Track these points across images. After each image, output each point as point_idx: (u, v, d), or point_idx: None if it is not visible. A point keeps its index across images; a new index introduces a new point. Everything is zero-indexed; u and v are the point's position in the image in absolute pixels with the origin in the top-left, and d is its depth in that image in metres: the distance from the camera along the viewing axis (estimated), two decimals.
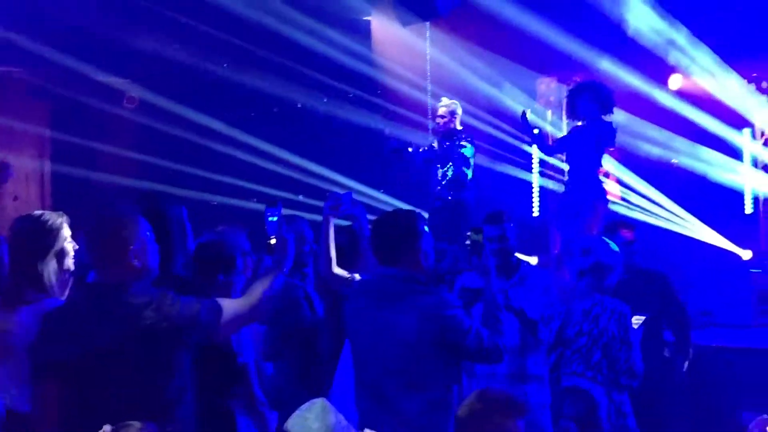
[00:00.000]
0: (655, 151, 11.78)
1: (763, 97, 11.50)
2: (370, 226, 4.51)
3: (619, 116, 8.93)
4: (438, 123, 9.79)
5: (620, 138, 10.38)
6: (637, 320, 5.15)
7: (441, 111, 9.76)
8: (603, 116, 8.19)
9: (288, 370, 5.33)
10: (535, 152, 12.35)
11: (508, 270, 5.73)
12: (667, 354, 6.05)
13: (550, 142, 9.75)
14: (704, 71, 11.56)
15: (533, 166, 12.60)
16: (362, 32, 12.61)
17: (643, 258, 6.76)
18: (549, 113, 12.36)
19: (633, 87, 11.27)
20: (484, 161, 11.16)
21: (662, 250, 10.52)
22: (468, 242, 4.48)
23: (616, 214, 10.20)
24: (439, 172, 9.67)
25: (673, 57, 11.46)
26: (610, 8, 10.88)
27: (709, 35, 11.22)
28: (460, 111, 9.77)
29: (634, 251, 6.25)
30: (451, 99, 9.95)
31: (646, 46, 11.28)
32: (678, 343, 6.03)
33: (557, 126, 12.23)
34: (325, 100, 12.86)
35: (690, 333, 6.25)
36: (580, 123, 8.33)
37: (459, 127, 9.70)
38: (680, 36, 11.32)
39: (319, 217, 5.00)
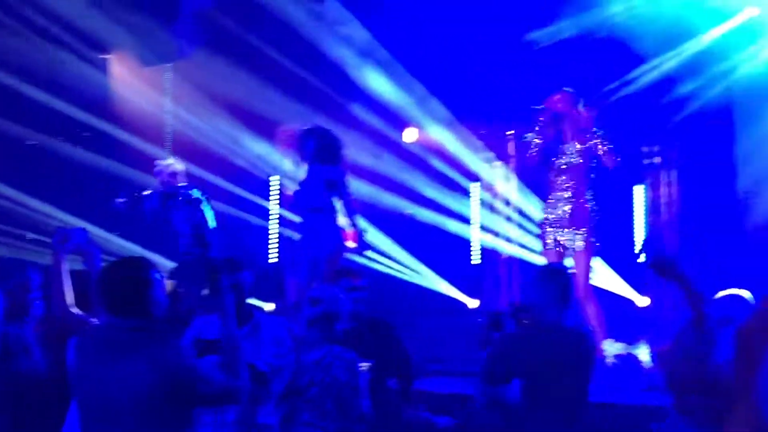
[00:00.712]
0: (389, 201, 12.10)
1: (491, 153, 12.09)
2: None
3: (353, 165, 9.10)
4: (161, 181, 9.52)
5: (355, 186, 10.62)
6: (363, 367, 5.23)
7: (162, 173, 9.48)
8: (332, 161, 8.25)
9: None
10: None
11: (240, 319, 5.66)
12: (392, 400, 6.14)
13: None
14: (437, 126, 12.04)
15: (271, 213, 12.63)
16: (101, 71, 12.26)
17: (377, 306, 6.88)
18: (288, 161, 12.41)
19: (368, 138, 11.57)
20: (220, 207, 11.06)
21: (395, 298, 10.79)
22: (206, 289, 4.39)
23: (350, 261, 10.37)
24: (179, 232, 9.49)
25: (409, 111, 11.89)
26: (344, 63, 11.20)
27: (442, 92, 11.73)
28: (180, 167, 9.54)
29: (361, 299, 6.28)
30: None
31: (382, 99, 11.65)
32: (402, 390, 6.14)
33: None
34: (60, 139, 12.37)
35: (413, 380, 6.38)
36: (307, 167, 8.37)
37: (183, 183, 9.49)
38: (415, 92, 11.76)
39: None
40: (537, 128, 7.69)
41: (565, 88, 7.70)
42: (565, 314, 5.20)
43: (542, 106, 7.68)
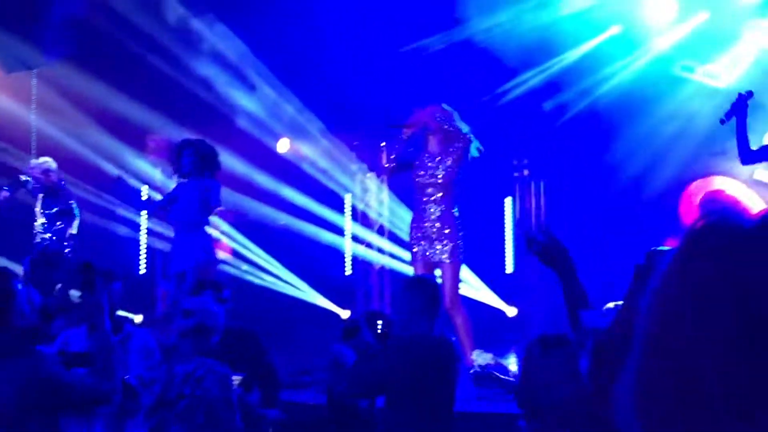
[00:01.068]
0: (263, 212, 12.05)
1: (363, 165, 12.16)
2: None
3: (231, 175, 9.05)
4: (35, 182, 9.43)
5: (230, 198, 10.54)
6: (235, 379, 5.19)
7: (35, 171, 9.45)
8: (207, 173, 8.20)
9: None
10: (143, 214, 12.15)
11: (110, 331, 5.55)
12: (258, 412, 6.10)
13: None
14: (311, 137, 12.06)
15: (141, 224, 12.42)
16: None
17: (251, 317, 6.82)
18: (159, 171, 12.25)
19: (241, 149, 11.51)
20: (88, 218, 10.83)
21: (269, 309, 10.74)
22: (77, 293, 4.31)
23: (225, 273, 10.28)
24: (39, 224, 9.31)
25: (282, 122, 11.87)
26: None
27: (315, 103, 11.76)
28: (54, 165, 9.47)
29: (226, 311, 6.25)
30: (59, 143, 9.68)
31: (256, 110, 11.61)
32: (265, 401, 6.10)
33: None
34: None
35: (279, 392, 6.36)
36: (185, 179, 8.30)
37: (60, 181, 9.43)
38: (288, 103, 11.76)
39: None
40: (402, 138, 7.77)
41: (439, 103, 7.80)
42: (433, 324, 5.27)
43: (402, 124, 7.76)
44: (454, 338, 5.53)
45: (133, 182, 11.58)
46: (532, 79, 11.29)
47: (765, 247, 1.08)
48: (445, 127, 7.63)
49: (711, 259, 1.09)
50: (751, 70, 10.47)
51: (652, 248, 1.32)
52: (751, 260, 1.07)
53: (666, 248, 1.39)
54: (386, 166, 7.93)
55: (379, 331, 5.32)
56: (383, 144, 7.96)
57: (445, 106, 7.73)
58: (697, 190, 10.41)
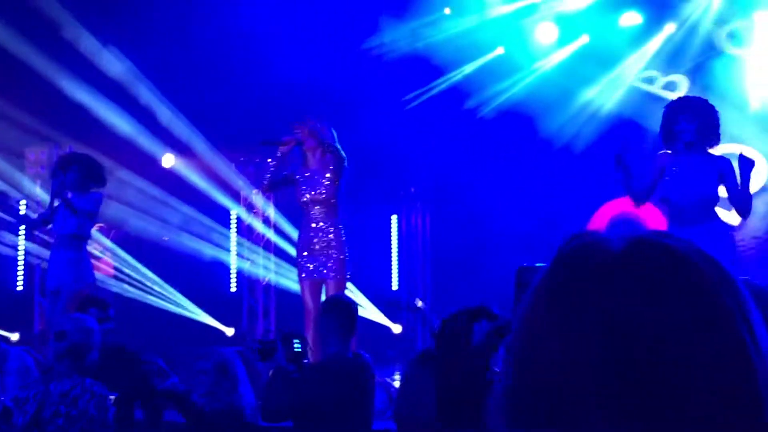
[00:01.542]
0: (146, 228, 11.86)
1: (246, 180, 12.10)
2: None
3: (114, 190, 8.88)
4: None
5: (113, 213, 10.35)
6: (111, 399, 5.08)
7: None
8: (92, 187, 8.05)
9: None
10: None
11: None
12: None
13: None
14: (197, 153, 11.94)
15: (19, 241, 12.07)
16: None
17: (134, 335, 6.68)
18: (37, 185, 11.94)
19: (126, 164, 11.31)
20: None
21: (152, 327, 10.56)
22: None
23: (105, 291, 10.07)
24: None
25: (167, 137, 11.72)
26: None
27: (201, 119, 11.64)
28: None
29: (109, 329, 6.14)
30: None
31: (141, 125, 11.44)
32: (148, 419, 5.99)
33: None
34: None
35: (162, 411, 6.25)
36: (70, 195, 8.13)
37: None
38: (173, 118, 11.62)
39: None
40: (278, 155, 7.75)
41: (314, 118, 7.81)
42: (348, 344, 5.29)
43: (276, 141, 7.74)
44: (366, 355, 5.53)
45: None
46: (421, 96, 11.42)
47: (631, 276, 1.01)
48: (322, 142, 7.64)
49: (577, 285, 1.02)
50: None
51: (522, 265, 1.30)
52: (616, 290, 1.00)
53: (538, 265, 1.35)
54: (263, 183, 7.92)
55: (295, 350, 5.28)
56: (270, 160, 7.93)
57: (318, 120, 7.74)
58: (609, 210, 10.58)
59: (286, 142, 7.68)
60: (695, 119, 6.45)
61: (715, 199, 6.54)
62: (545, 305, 1.04)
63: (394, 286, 12.05)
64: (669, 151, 6.60)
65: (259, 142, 8.04)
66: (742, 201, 6.44)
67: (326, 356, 5.25)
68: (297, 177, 7.73)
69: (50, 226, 8.17)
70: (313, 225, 7.68)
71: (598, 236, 1.07)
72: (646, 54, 10.88)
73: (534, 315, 1.05)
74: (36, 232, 10.59)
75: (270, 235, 12.19)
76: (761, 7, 10.35)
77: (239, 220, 12.32)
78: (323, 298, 7.47)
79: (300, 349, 5.23)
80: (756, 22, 10.35)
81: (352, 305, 5.57)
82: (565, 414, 1.00)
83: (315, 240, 7.65)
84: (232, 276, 12.22)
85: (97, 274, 8.84)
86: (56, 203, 8.01)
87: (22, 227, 11.39)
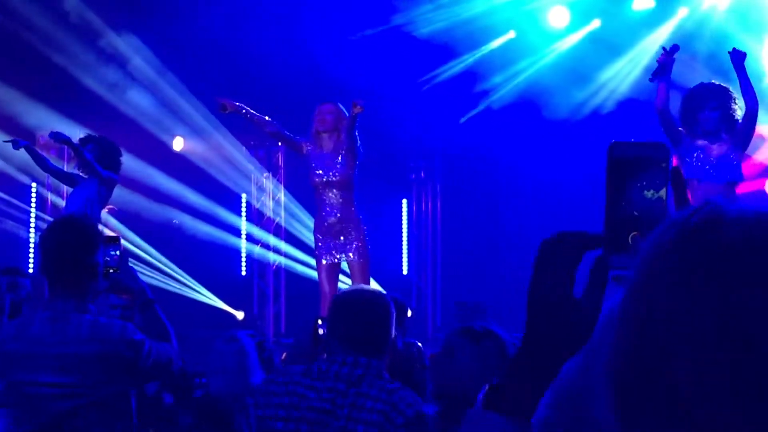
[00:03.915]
0: (156, 211, 11.87)
1: (260, 165, 12.10)
2: None
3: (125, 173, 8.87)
4: None
5: (124, 196, 10.35)
6: None
7: None
8: (107, 169, 8.07)
9: None
10: None
11: None
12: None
13: None
14: (205, 135, 11.93)
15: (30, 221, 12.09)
16: None
17: None
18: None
19: (136, 147, 11.30)
20: None
21: (164, 310, 10.57)
22: None
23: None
24: None
25: (178, 120, 11.71)
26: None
27: (212, 102, 11.62)
28: None
29: (126, 317, 6.12)
30: None
31: (151, 108, 11.43)
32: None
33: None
34: None
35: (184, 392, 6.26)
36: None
37: None
38: (183, 100, 11.60)
39: None
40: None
41: (335, 102, 7.79)
42: (398, 336, 5.34)
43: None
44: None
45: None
46: (433, 80, 11.39)
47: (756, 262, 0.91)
48: (341, 125, 7.62)
49: (713, 266, 0.92)
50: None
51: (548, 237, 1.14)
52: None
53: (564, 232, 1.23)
54: (267, 131, 7.88)
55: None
56: (280, 144, 7.90)
57: (339, 105, 7.73)
58: None
59: (313, 125, 7.67)
60: (719, 108, 6.49)
61: (740, 180, 6.60)
62: (673, 288, 0.93)
63: (405, 271, 12.05)
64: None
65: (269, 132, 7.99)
66: (748, 94, 6.55)
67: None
68: (308, 153, 7.69)
69: (66, 204, 8.17)
70: (330, 208, 7.66)
71: (726, 209, 0.95)
72: (658, 39, 10.82)
73: (655, 298, 0.94)
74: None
75: (280, 218, 12.19)
76: None
77: (249, 203, 12.32)
78: (348, 281, 7.47)
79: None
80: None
81: (398, 299, 5.58)
82: (673, 409, 0.92)
83: (333, 222, 7.63)
84: (242, 260, 12.23)
85: None
86: (80, 172, 8.03)
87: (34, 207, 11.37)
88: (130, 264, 4.06)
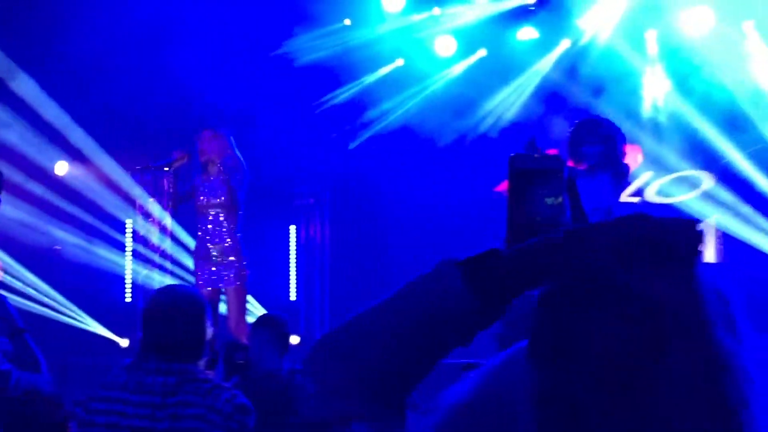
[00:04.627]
0: (38, 237, 11.56)
1: (144, 189, 11.92)
2: None
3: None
4: None
5: (3, 222, 10.06)
6: None
7: None
8: None
9: None
10: None
11: None
12: None
13: None
14: (91, 160, 11.71)
15: None
16: None
17: None
18: None
19: (17, 170, 11.02)
20: None
21: (43, 338, 10.28)
22: None
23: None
24: None
25: (61, 144, 11.48)
26: None
27: (95, 126, 11.42)
28: None
29: None
30: None
31: (33, 131, 11.17)
32: None
33: None
34: None
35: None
36: None
37: None
38: (67, 124, 11.38)
39: None
40: (169, 170, 7.66)
41: (216, 128, 7.76)
42: (283, 360, 5.27)
43: (166, 162, 7.64)
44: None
45: None
46: (321, 106, 11.42)
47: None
48: (222, 151, 7.59)
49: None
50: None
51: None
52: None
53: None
54: (169, 206, 7.83)
55: (240, 363, 5.21)
56: (166, 168, 7.83)
57: (217, 129, 7.69)
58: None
59: (178, 159, 7.60)
60: (600, 143, 6.44)
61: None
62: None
63: (293, 297, 11.99)
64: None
65: (141, 168, 7.92)
66: None
67: (262, 371, 5.22)
68: (197, 185, 7.65)
69: None
70: (212, 232, 7.61)
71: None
72: (544, 66, 11.11)
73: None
74: None
75: (167, 243, 12.01)
76: (653, 26, 10.66)
77: (135, 229, 12.11)
78: (222, 306, 7.41)
79: (243, 361, 5.18)
80: (648, 39, 10.68)
81: (285, 322, 5.55)
82: None
83: (212, 247, 7.59)
84: (127, 285, 12.00)
85: None
86: None
87: None
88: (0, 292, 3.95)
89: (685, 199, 10.45)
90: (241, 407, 3.35)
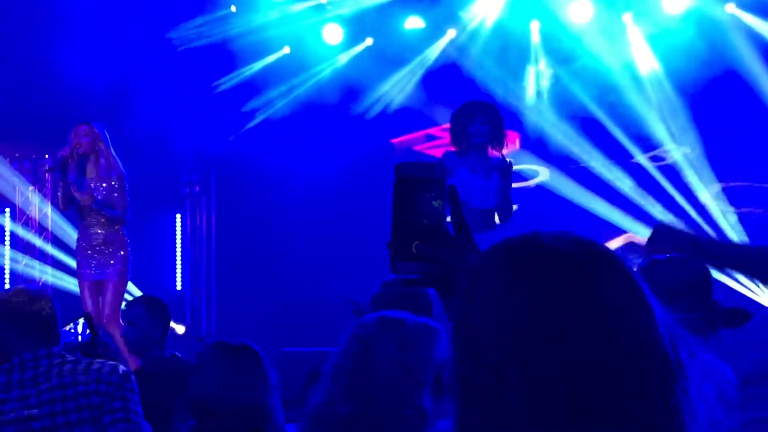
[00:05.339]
0: None
1: (21, 177, 11.65)
2: None
3: None
4: None
5: None
6: None
7: None
8: None
9: None
10: None
11: None
12: None
13: None
14: None
15: None
16: None
17: None
18: None
19: None
20: None
21: None
22: None
23: None
24: None
25: None
26: None
27: None
28: None
29: None
30: None
31: None
32: None
33: None
34: None
35: None
36: None
37: None
38: None
39: None
40: (57, 168, 7.49)
41: (91, 122, 7.62)
42: (164, 346, 5.23)
43: (60, 161, 7.48)
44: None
45: None
46: (208, 92, 11.30)
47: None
48: (99, 147, 7.48)
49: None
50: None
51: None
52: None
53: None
54: (59, 205, 7.67)
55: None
56: (47, 156, 7.67)
57: (91, 124, 7.57)
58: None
59: (68, 156, 7.44)
60: (488, 122, 6.78)
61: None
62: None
63: (178, 286, 11.86)
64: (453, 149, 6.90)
65: (46, 171, 7.80)
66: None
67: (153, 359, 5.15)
68: (73, 181, 7.50)
69: None
70: (93, 224, 7.49)
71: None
72: (433, 54, 11.22)
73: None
74: None
75: (47, 233, 11.74)
76: (536, 17, 10.87)
77: (13, 217, 11.80)
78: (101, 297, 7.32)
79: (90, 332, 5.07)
80: (532, 29, 10.90)
81: (166, 308, 5.49)
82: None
83: (94, 240, 7.47)
84: (5, 276, 11.69)
85: None
86: None
87: None
88: None
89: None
90: (126, 375, 3.39)
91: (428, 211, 1.42)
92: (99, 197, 7.42)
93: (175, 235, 11.95)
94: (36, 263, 11.78)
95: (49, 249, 11.74)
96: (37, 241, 11.81)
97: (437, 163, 1.20)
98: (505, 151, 7.08)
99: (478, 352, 1.11)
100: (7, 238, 11.72)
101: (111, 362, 3.48)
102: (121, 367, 3.44)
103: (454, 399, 1.13)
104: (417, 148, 11.26)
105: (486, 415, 1.09)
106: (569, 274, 1.11)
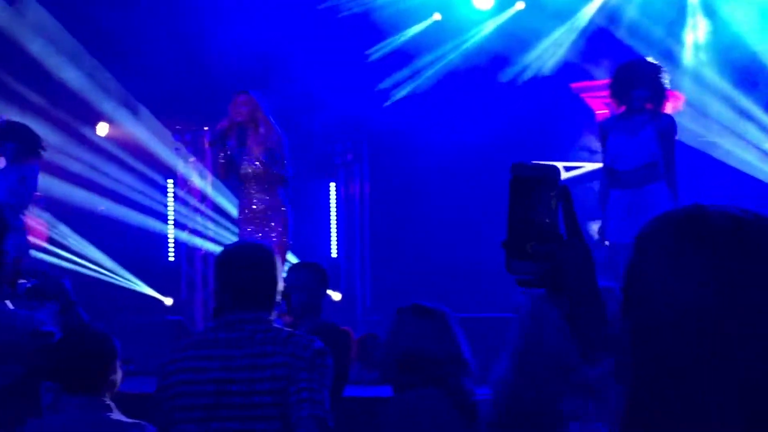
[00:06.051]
0: (81, 197, 11.67)
1: (186, 149, 11.98)
2: None
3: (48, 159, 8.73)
4: None
5: (47, 183, 10.19)
6: None
7: None
8: (29, 159, 7.96)
9: None
10: None
11: None
12: None
13: None
14: (132, 120, 11.79)
15: None
16: None
17: None
18: None
19: (58, 132, 11.11)
20: None
21: (89, 297, 10.43)
22: None
23: (41, 262, 9.93)
24: None
25: (102, 105, 11.56)
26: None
27: (136, 85, 11.48)
28: None
29: None
30: None
31: (73, 92, 11.25)
32: None
33: None
34: None
35: None
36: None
37: None
38: (108, 85, 11.45)
39: None
40: (218, 139, 7.64)
41: (249, 90, 7.74)
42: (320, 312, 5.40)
43: (221, 133, 7.61)
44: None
45: None
46: (360, 62, 11.39)
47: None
48: (257, 115, 7.58)
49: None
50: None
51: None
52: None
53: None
54: (219, 173, 7.86)
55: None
56: (206, 128, 7.86)
57: (252, 92, 7.68)
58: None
59: (227, 129, 7.59)
60: (651, 85, 6.66)
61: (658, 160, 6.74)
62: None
63: (334, 254, 12.05)
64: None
65: (207, 145, 8.03)
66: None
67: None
68: (237, 151, 7.66)
69: None
70: (251, 198, 7.64)
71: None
72: (590, 11, 11.01)
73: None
74: None
75: (208, 204, 12.09)
76: None
77: (177, 188, 12.19)
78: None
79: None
80: None
81: (321, 266, 5.60)
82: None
83: (256, 210, 7.61)
84: (170, 245, 12.11)
85: (33, 240, 8.78)
86: None
87: None
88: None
89: None
90: (320, 351, 3.43)
91: (543, 211, 1.45)
92: (260, 164, 7.57)
93: (330, 203, 12.13)
94: (198, 234, 12.17)
95: (210, 219, 12.10)
96: (199, 211, 12.18)
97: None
98: (669, 110, 6.93)
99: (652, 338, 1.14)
100: (171, 207, 12.12)
101: (308, 336, 3.52)
102: (317, 343, 3.46)
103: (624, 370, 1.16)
104: (584, 95, 11.03)
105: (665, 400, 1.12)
106: (732, 253, 1.11)
